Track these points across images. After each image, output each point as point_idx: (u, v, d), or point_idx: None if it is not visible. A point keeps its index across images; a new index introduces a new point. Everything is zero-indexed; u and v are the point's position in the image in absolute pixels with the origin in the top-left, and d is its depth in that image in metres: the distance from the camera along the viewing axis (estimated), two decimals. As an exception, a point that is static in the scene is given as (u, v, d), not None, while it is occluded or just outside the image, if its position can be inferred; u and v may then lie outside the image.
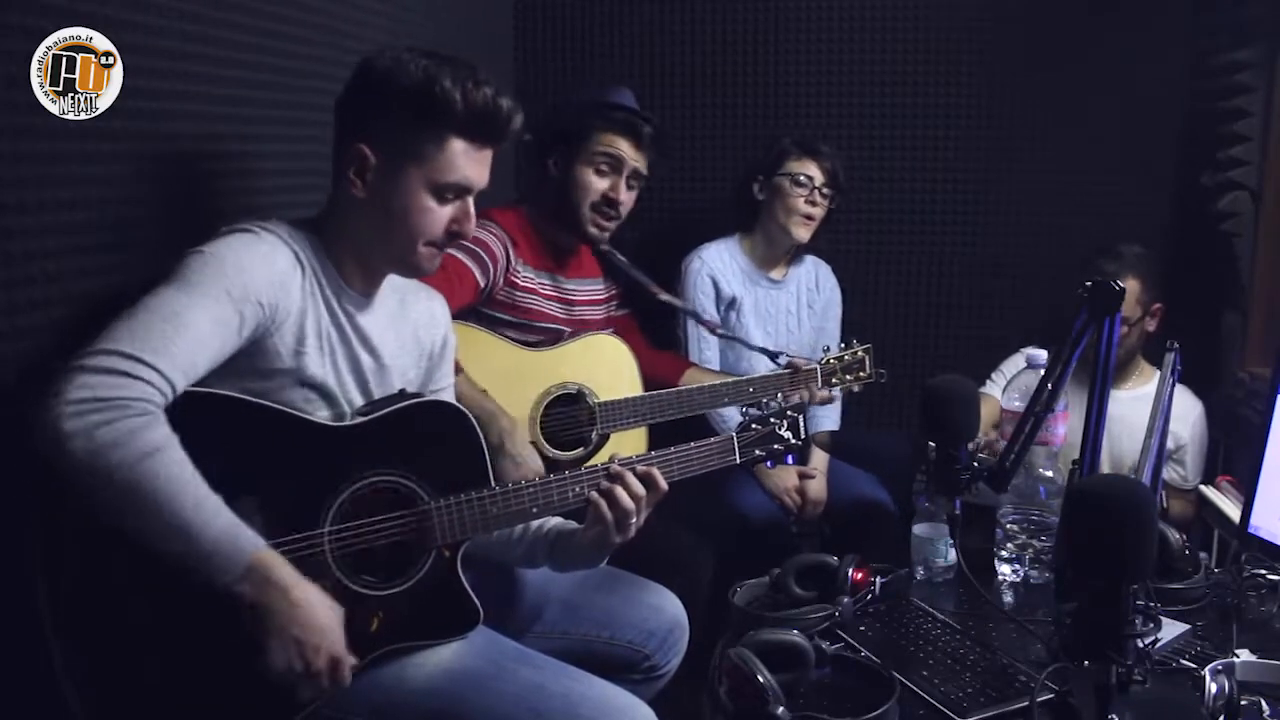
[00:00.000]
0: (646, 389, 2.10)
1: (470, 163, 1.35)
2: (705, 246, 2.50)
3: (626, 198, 2.09)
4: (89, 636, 1.17)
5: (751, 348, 2.29)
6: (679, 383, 2.20)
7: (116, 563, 1.17)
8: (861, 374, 2.26)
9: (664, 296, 2.25)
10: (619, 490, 1.43)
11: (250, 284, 1.23)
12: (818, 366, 2.18)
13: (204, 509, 1.11)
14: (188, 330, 1.16)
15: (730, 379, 2.13)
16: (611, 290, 2.26)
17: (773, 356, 2.19)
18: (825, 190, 2.43)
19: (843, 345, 2.25)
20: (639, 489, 1.45)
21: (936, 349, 2.92)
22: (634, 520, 1.45)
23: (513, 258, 1.99)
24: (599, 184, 2.06)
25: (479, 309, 1.97)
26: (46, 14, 1.24)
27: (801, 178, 2.41)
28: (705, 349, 2.43)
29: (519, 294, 2.00)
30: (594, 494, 1.44)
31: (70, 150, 1.30)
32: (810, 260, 2.64)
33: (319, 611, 1.19)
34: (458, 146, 1.33)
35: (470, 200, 1.38)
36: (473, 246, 1.92)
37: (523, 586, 1.69)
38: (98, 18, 1.30)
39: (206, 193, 1.60)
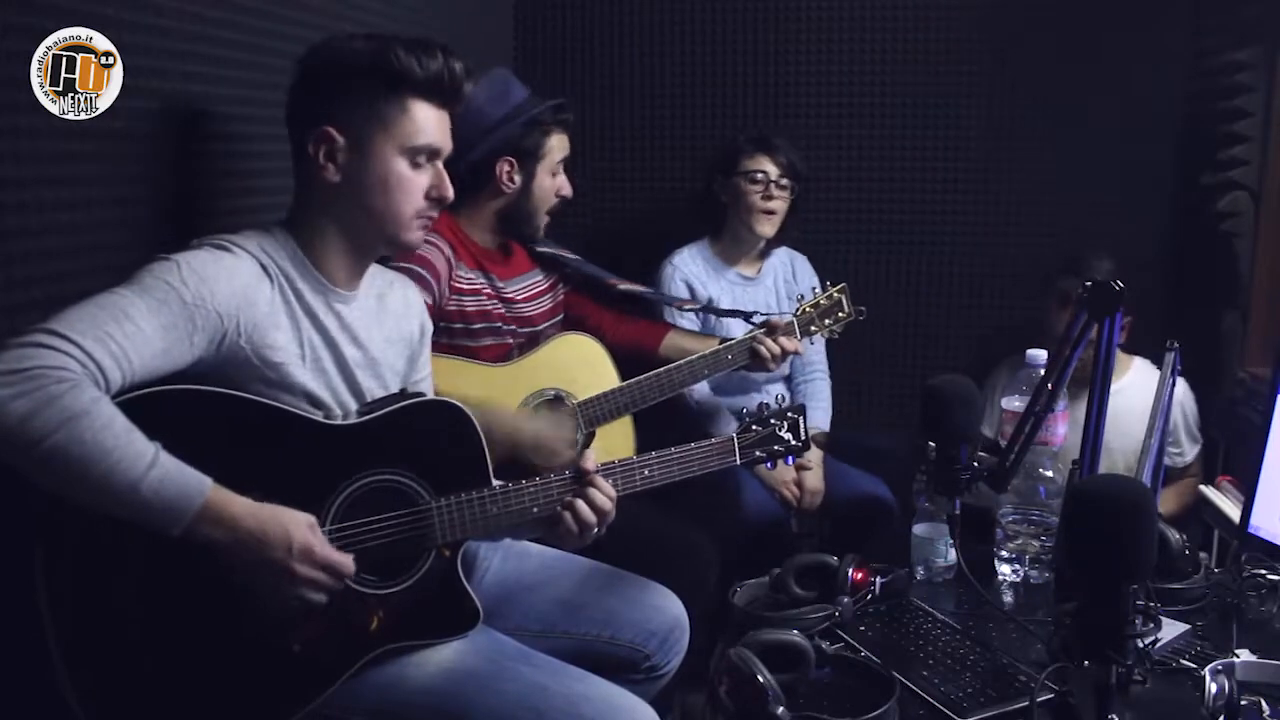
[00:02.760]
0: (625, 364, 2.08)
1: (435, 125, 1.36)
2: (677, 251, 2.52)
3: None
4: (89, 637, 1.17)
5: (723, 313, 2.29)
6: (660, 348, 2.20)
7: (116, 562, 1.17)
8: (841, 314, 2.21)
9: (624, 286, 2.24)
10: (581, 504, 1.43)
11: (209, 293, 1.22)
12: (794, 318, 2.16)
13: (138, 464, 1.09)
14: (128, 323, 1.14)
15: (708, 349, 2.10)
16: (552, 278, 2.22)
17: (746, 317, 2.18)
18: (783, 183, 2.44)
19: (815, 290, 2.21)
20: (605, 505, 1.44)
21: (936, 349, 2.92)
22: (596, 530, 1.45)
23: (454, 263, 1.98)
24: (557, 185, 2.09)
25: (435, 323, 1.95)
26: (46, 14, 1.24)
27: (757, 174, 2.43)
28: (683, 322, 2.43)
29: (464, 298, 1.99)
30: (559, 509, 1.43)
31: (70, 150, 1.30)
32: (784, 252, 2.65)
33: (282, 525, 1.18)
34: (422, 110, 1.35)
35: (440, 164, 1.39)
36: (415, 267, 1.88)
37: (480, 579, 1.67)
38: (98, 18, 1.30)
39: (206, 193, 1.60)
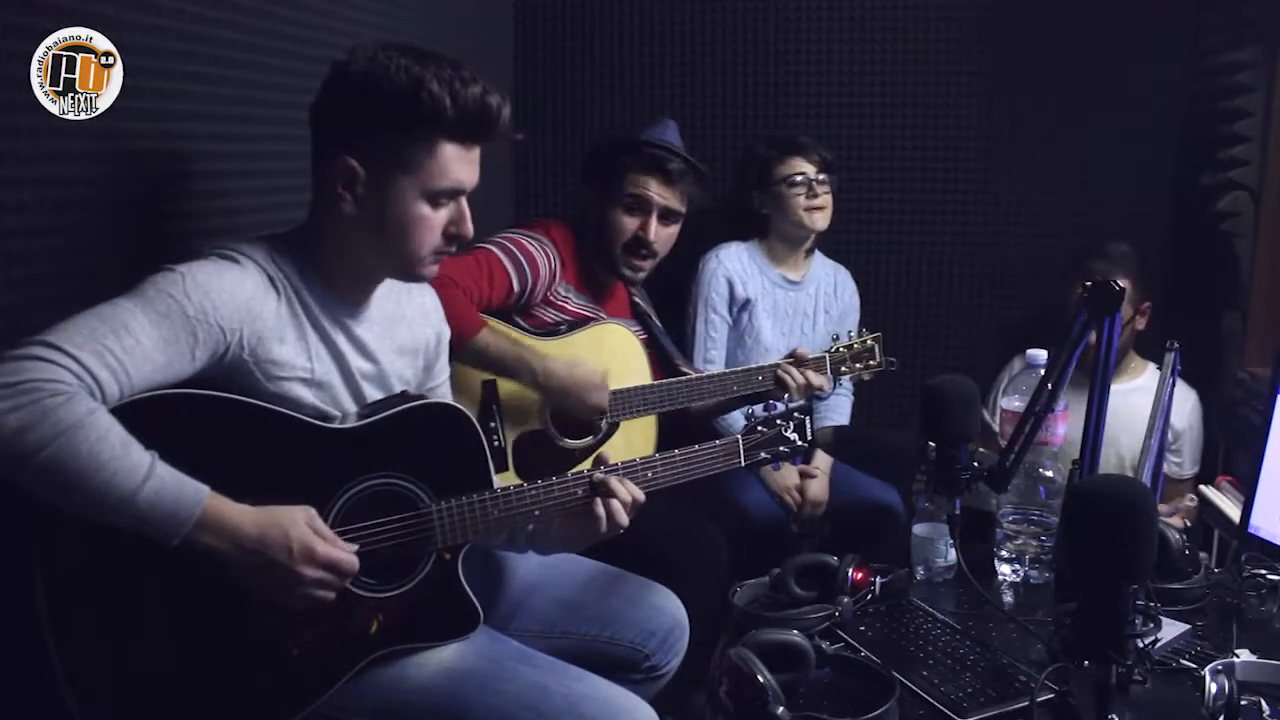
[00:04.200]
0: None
1: (462, 165, 1.32)
2: (723, 247, 2.50)
3: (660, 235, 2.11)
4: (88, 640, 1.17)
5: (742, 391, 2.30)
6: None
7: (115, 564, 1.17)
8: (871, 362, 2.26)
9: (685, 369, 2.27)
10: (613, 502, 1.43)
11: (212, 306, 1.20)
12: (826, 355, 2.19)
13: (134, 475, 1.08)
14: (128, 337, 1.13)
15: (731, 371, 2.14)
16: (643, 335, 2.26)
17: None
18: (822, 178, 2.43)
19: (851, 334, 2.26)
20: (626, 497, 1.44)
21: (937, 349, 2.92)
22: (622, 527, 1.45)
23: (558, 279, 2.01)
24: (629, 224, 2.09)
25: (512, 315, 1.98)
26: (46, 14, 1.24)
27: (796, 178, 2.42)
28: (711, 350, 2.43)
29: (555, 311, 2.03)
30: (595, 503, 1.43)
31: (70, 150, 1.30)
32: (830, 265, 2.65)
33: (280, 527, 1.17)
34: (449, 150, 1.29)
35: (464, 201, 1.35)
36: (515, 251, 1.94)
37: (507, 579, 1.69)
38: (98, 18, 1.30)
39: (207, 193, 1.60)
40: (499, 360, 1.84)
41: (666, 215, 2.12)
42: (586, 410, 1.91)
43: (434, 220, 1.33)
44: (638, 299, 2.29)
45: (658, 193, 2.09)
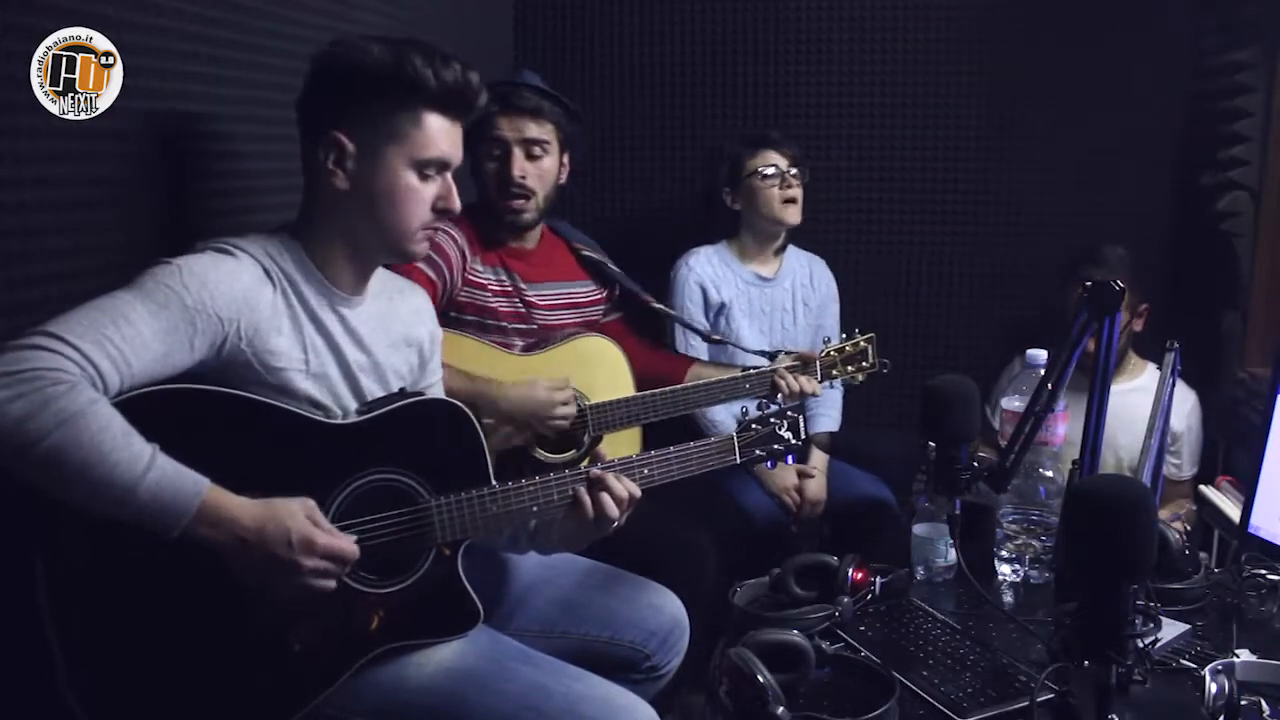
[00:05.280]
0: (644, 389, 2.07)
1: (447, 138, 1.36)
2: (693, 253, 2.49)
3: (528, 169, 2.02)
4: (89, 636, 1.17)
5: (747, 351, 2.29)
6: (684, 380, 2.16)
7: (117, 561, 1.17)
8: (864, 364, 2.21)
9: (656, 305, 2.25)
10: (604, 496, 1.43)
11: (209, 297, 1.21)
12: (817, 358, 2.16)
13: (135, 466, 1.08)
14: (128, 328, 1.14)
15: (725, 375, 2.11)
16: (599, 294, 2.21)
17: (770, 357, 2.16)
18: (794, 172, 2.44)
19: (844, 336, 2.23)
20: (622, 493, 1.44)
21: (936, 349, 2.92)
22: (615, 522, 1.45)
23: (468, 255, 1.97)
24: (493, 169, 2.03)
25: (445, 312, 1.96)
26: (46, 14, 1.24)
27: (769, 170, 2.42)
28: (691, 352, 2.42)
29: (475, 291, 1.98)
30: (580, 491, 1.43)
31: (70, 150, 1.30)
32: (805, 256, 2.64)
33: (279, 519, 1.17)
34: (434, 122, 1.34)
35: (450, 176, 1.38)
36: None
37: (506, 578, 1.68)
38: (98, 18, 1.30)
39: (206, 193, 1.60)
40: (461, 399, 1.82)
41: (530, 148, 2.03)
42: (556, 424, 1.88)
43: (423, 192, 1.35)
44: (586, 251, 2.20)
45: (510, 128, 2.02)
